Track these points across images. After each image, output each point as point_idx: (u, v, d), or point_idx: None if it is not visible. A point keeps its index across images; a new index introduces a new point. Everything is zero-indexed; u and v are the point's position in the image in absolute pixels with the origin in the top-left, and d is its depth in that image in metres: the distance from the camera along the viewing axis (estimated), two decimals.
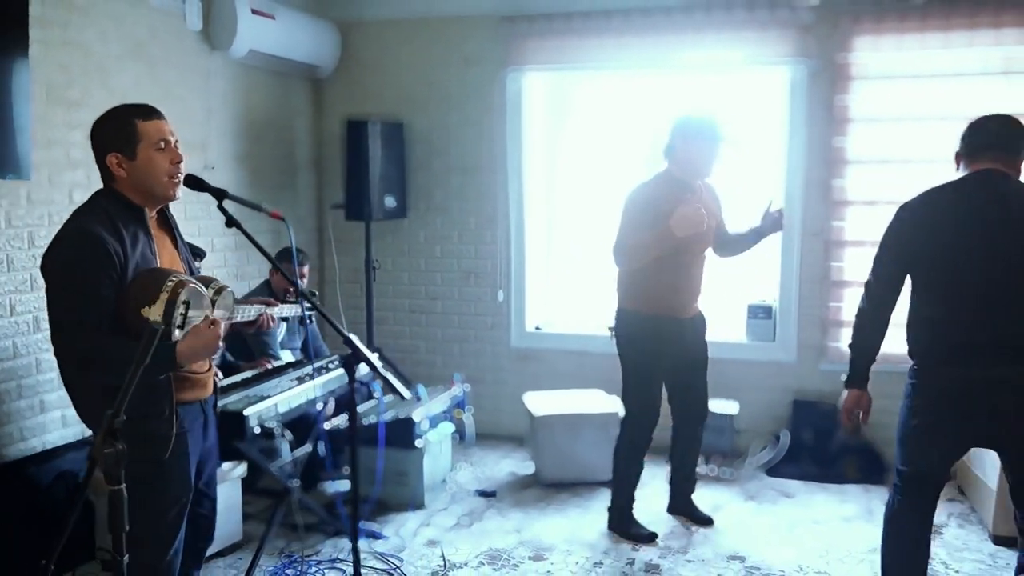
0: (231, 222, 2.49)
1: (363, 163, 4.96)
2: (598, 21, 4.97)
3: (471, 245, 5.48)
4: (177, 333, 2.24)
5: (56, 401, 3.78)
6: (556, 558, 3.72)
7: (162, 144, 2.39)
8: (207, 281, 2.45)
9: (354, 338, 2.47)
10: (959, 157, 2.81)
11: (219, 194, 2.48)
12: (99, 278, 2.23)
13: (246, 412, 3.05)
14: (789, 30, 4.73)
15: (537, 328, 5.48)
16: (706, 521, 4.06)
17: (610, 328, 3.92)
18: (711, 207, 3.79)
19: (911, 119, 4.61)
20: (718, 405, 4.72)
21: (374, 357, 2.50)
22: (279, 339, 4.47)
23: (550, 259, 5.58)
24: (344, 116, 5.21)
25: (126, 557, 1.70)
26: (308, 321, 3.01)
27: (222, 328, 2.34)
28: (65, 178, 3.72)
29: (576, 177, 5.44)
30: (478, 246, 5.46)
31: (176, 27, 4.39)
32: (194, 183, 2.49)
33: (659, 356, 3.80)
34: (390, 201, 5.16)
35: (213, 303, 2.41)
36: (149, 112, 2.40)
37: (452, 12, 5.31)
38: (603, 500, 4.33)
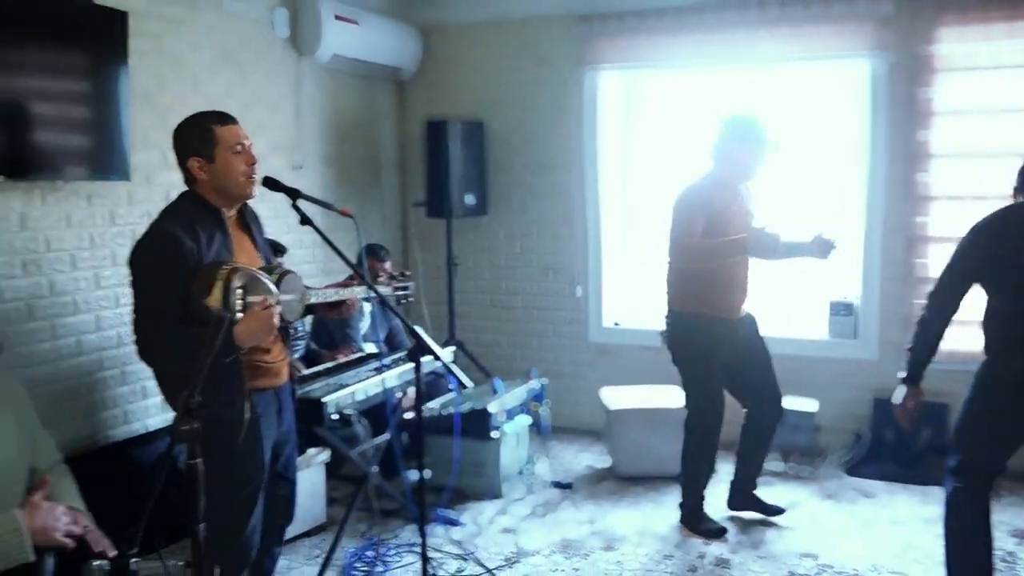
0: (305, 220, 2.65)
1: (443, 162, 5.11)
2: (672, 18, 4.99)
3: (549, 241, 5.56)
4: (238, 317, 2.39)
5: (156, 387, 4.02)
6: (627, 549, 3.77)
7: (238, 148, 2.57)
8: (271, 268, 2.61)
9: (420, 330, 2.59)
10: (1016, 192, 2.94)
11: (293, 194, 2.65)
12: (173, 276, 2.42)
13: (324, 399, 3.21)
14: (867, 23, 4.65)
15: (615, 324, 5.52)
16: (776, 511, 4.03)
17: (662, 332, 3.93)
18: (751, 209, 3.83)
19: (997, 111, 4.47)
20: (797, 403, 4.68)
21: (440, 349, 2.62)
22: (362, 332, 4.64)
23: (627, 255, 5.62)
24: (425, 117, 5.37)
25: (202, 524, 1.85)
26: (404, 300, 3.15)
27: (276, 310, 2.47)
28: (162, 178, 3.97)
29: (651, 174, 5.46)
30: (556, 242, 5.54)
31: (264, 35, 4.61)
32: (271, 184, 2.65)
33: (715, 356, 3.81)
34: (470, 199, 5.29)
35: (278, 286, 2.56)
36: (225, 118, 2.58)
37: (528, 13, 5.40)
38: (677, 495, 4.35)
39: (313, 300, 2.76)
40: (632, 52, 5.14)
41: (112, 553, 2.09)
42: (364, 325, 4.65)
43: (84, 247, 3.67)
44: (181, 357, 2.32)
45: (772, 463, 4.58)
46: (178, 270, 2.44)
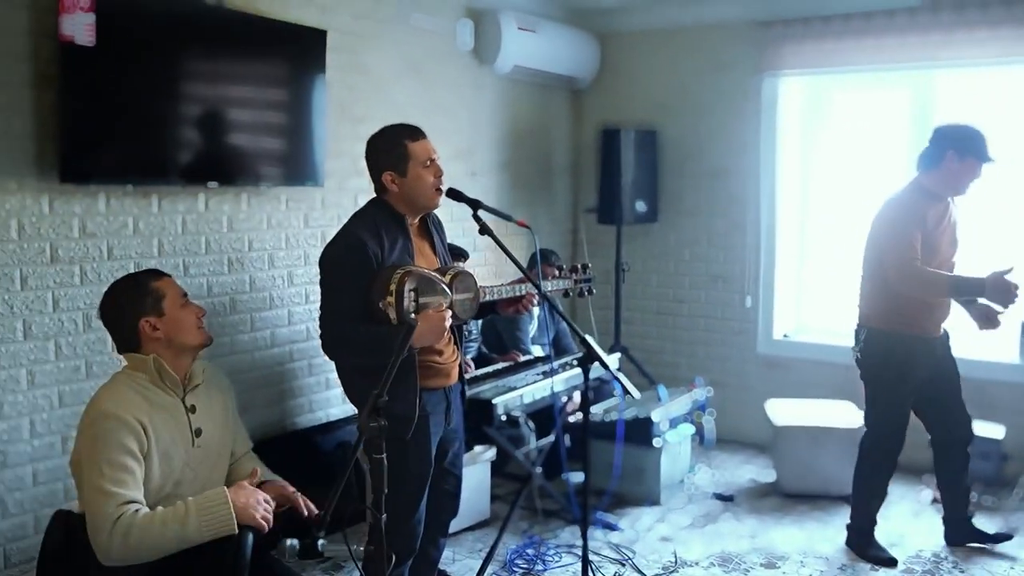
0: (484, 230, 2.78)
1: (616, 169, 5.17)
2: (858, 22, 4.82)
3: (720, 250, 5.51)
4: (412, 318, 2.54)
5: (337, 380, 4.31)
6: (788, 568, 3.71)
7: (428, 162, 2.74)
8: (445, 270, 2.75)
9: (589, 338, 2.67)
10: None
11: (474, 204, 2.79)
12: (357, 276, 2.61)
13: (494, 401, 3.35)
14: None
15: (785, 336, 5.40)
16: (1003, 538, 3.82)
17: (855, 348, 3.79)
18: (957, 228, 3.66)
19: None
20: (983, 428, 4.42)
21: (609, 358, 2.69)
22: (531, 335, 4.77)
23: (801, 267, 5.47)
24: (600, 124, 5.44)
25: (384, 515, 2.00)
26: (588, 293, 3.25)
27: (448, 313, 2.62)
28: (351, 184, 4.24)
29: (832, 183, 5.29)
30: (727, 251, 5.48)
31: (447, 47, 4.82)
32: (454, 194, 2.80)
33: (910, 378, 3.65)
34: (641, 206, 5.32)
35: (451, 287, 2.70)
36: (416, 133, 2.76)
37: (707, 20, 5.36)
38: (844, 515, 4.23)
39: (487, 298, 2.89)
40: (816, 57, 5.01)
41: (313, 513, 2.29)
42: (532, 328, 4.78)
43: (281, 247, 3.99)
44: (361, 353, 2.53)
45: None
46: (363, 271, 2.63)
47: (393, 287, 2.56)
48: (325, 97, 3.93)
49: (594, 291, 3.35)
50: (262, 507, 2.22)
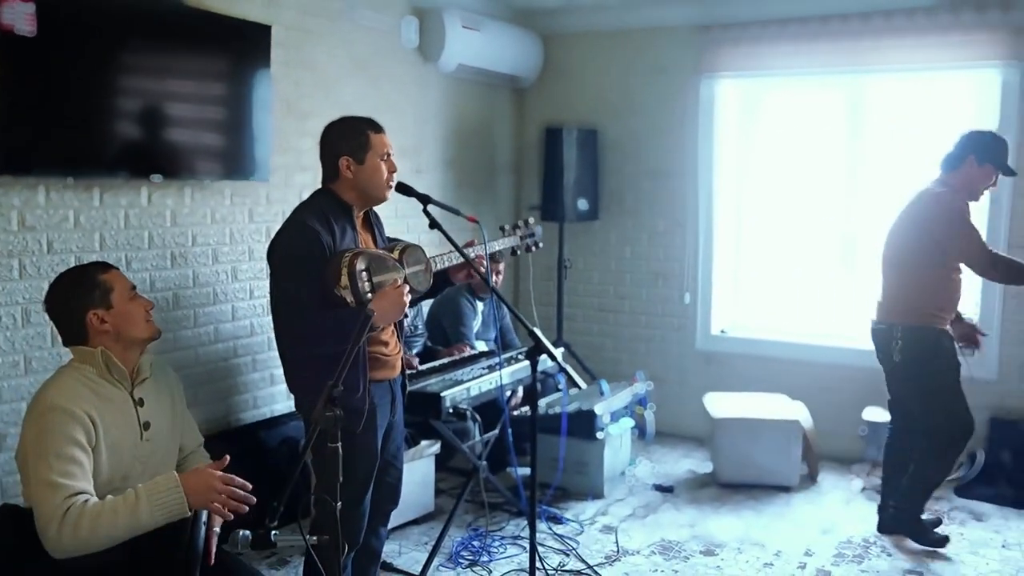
0: (433, 224, 2.82)
1: (558, 168, 5.26)
2: (794, 27, 4.99)
3: (660, 248, 5.63)
4: (369, 298, 2.57)
5: (282, 375, 4.29)
6: (727, 555, 3.83)
7: (385, 155, 2.77)
8: (391, 248, 2.78)
9: (537, 331, 2.72)
10: None
11: (424, 199, 2.83)
12: (312, 264, 2.61)
13: (442, 394, 3.39)
14: (1000, 31, 4.54)
15: (722, 331, 5.55)
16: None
17: (894, 348, 3.80)
18: None
19: None
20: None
21: (556, 351, 2.75)
22: (475, 330, 4.82)
23: (738, 264, 5.63)
24: (543, 123, 5.52)
25: (339, 504, 2.03)
26: (536, 247, 3.34)
27: (405, 288, 2.65)
28: (296, 180, 4.23)
29: (766, 183, 5.46)
30: (667, 249, 5.60)
31: (392, 44, 4.84)
32: (403, 189, 2.83)
33: (957, 366, 3.77)
34: (583, 204, 5.41)
35: (401, 262, 2.73)
36: (378, 127, 2.78)
37: (649, 23, 5.47)
38: (780, 504, 4.40)
39: (439, 267, 2.92)
40: (753, 60, 5.16)
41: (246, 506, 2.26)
42: (476, 324, 4.82)
43: (225, 242, 3.96)
44: (325, 341, 2.52)
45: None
46: (316, 258, 2.63)
47: (344, 270, 2.57)
48: (270, 92, 3.92)
49: (541, 245, 3.42)
50: (217, 491, 2.17)
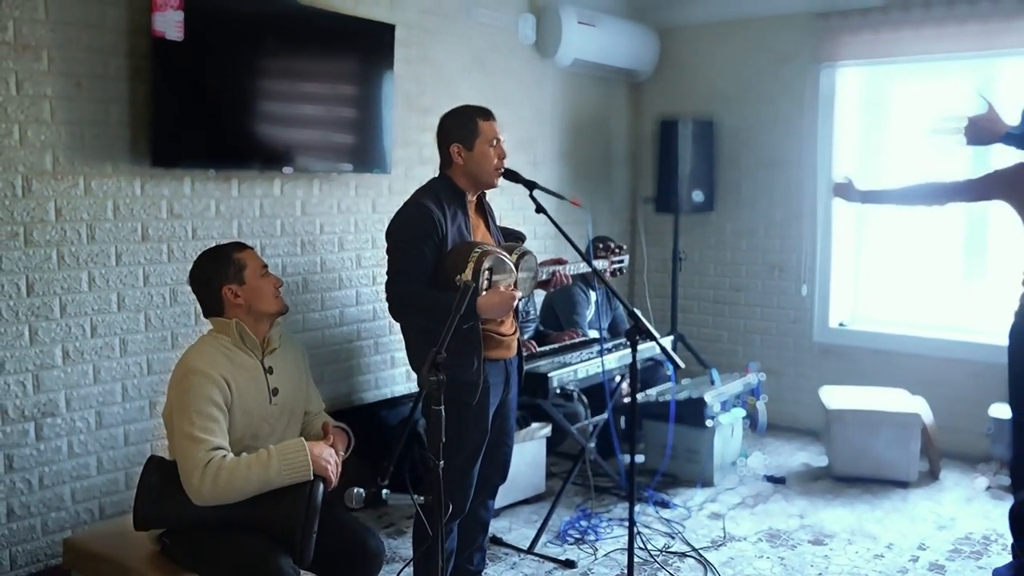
0: (540, 209, 2.96)
1: (673, 160, 5.30)
2: (918, 12, 4.86)
3: (776, 239, 5.58)
4: (483, 290, 2.74)
5: (402, 358, 4.53)
6: (836, 545, 3.80)
7: (494, 141, 2.93)
8: (511, 248, 2.94)
9: (637, 312, 2.82)
10: None
11: (530, 185, 2.97)
12: (424, 241, 2.81)
13: (550, 375, 3.52)
14: None
15: (841, 324, 5.45)
16: None
17: None
18: None
19: None
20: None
21: (656, 332, 2.83)
22: (588, 319, 4.92)
23: (858, 256, 5.51)
24: (658, 115, 5.57)
25: (441, 462, 2.19)
26: (620, 272, 3.51)
27: (519, 293, 2.81)
28: (417, 172, 4.45)
29: (892, 172, 5.32)
30: (783, 240, 5.55)
31: (510, 40, 5.00)
32: (511, 176, 2.99)
33: None
34: (698, 196, 5.43)
35: (517, 266, 2.90)
36: (487, 114, 2.95)
37: (765, 12, 5.44)
38: (897, 499, 4.32)
39: (543, 277, 3.08)
40: (874, 48, 5.05)
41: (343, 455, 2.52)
42: (590, 313, 4.93)
43: (350, 231, 4.22)
44: (427, 313, 2.73)
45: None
46: (429, 236, 2.83)
47: (472, 264, 2.75)
48: (393, 89, 4.14)
49: (624, 271, 3.58)
50: (332, 463, 2.44)
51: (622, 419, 4.59)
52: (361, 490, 2.28)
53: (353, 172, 4.13)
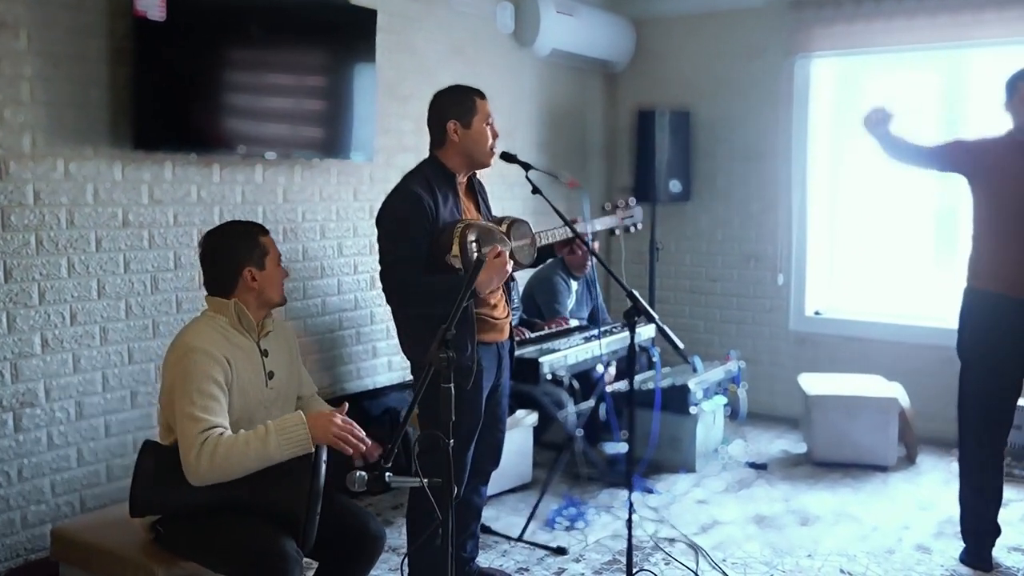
0: (535, 190, 2.94)
1: (650, 150, 5.31)
2: (889, 4, 4.94)
3: (752, 230, 5.63)
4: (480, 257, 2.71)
5: (384, 348, 4.49)
6: (822, 527, 3.83)
7: (489, 120, 2.90)
8: (500, 220, 2.92)
9: (635, 293, 2.81)
10: None
11: (526, 166, 2.96)
12: (416, 226, 2.78)
13: (540, 360, 3.50)
14: None
15: (816, 313, 5.51)
16: None
17: None
18: None
19: None
20: None
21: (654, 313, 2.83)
22: (568, 308, 4.91)
23: (832, 245, 5.58)
24: (634, 106, 5.58)
25: (451, 441, 2.16)
26: (635, 228, 3.51)
27: (507, 255, 2.78)
28: (398, 160, 4.40)
29: (862, 163, 5.39)
30: (759, 230, 5.60)
31: (489, 30, 4.98)
32: (507, 158, 2.97)
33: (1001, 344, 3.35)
34: (675, 186, 5.45)
35: (508, 235, 2.87)
36: (482, 94, 2.95)
37: (740, 4, 5.49)
38: (877, 482, 4.37)
39: (543, 242, 3.06)
40: (847, 39, 5.12)
41: (376, 455, 2.45)
42: (571, 302, 4.92)
43: (331, 219, 4.16)
44: (429, 299, 2.70)
45: None
46: (421, 222, 2.79)
47: (456, 239, 2.72)
48: (375, 75, 4.09)
49: (639, 227, 3.55)
50: (336, 427, 2.36)
51: (601, 408, 4.58)
52: (363, 473, 2.23)
53: (335, 159, 4.07)
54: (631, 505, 2.97)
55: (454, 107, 2.92)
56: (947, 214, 5.16)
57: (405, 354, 3.08)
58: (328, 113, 3.95)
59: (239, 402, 2.41)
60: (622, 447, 4.75)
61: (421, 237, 2.78)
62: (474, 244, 2.75)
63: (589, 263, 4.74)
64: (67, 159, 3.14)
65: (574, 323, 4.80)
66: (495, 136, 2.94)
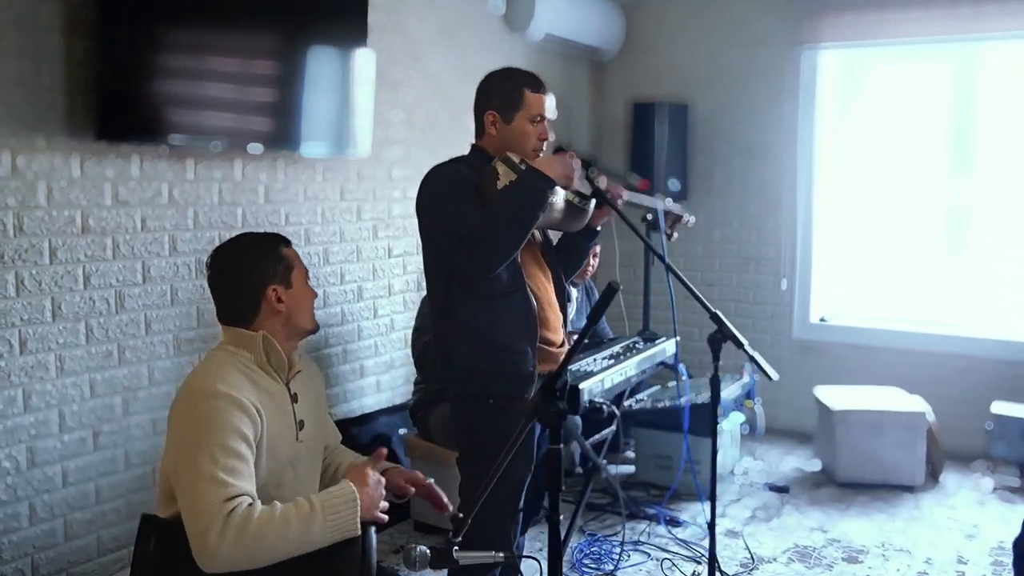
0: (596, 192, 2.52)
1: (649, 145, 4.92)
2: None
3: (752, 231, 5.29)
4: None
5: (372, 367, 3.98)
6: (872, 562, 3.49)
7: (538, 118, 2.45)
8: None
9: (720, 314, 2.41)
10: None
11: (586, 162, 2.51)
12: (464, 188, 2.35)
13: (580, 386, 3.05)
14: None
15: (822, 319, 5.20)
16: None
17: None
18: None
19: None
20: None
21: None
22: (569, 317, 4.48)
23: (839, 248, 5.27)
24: (625, 98, 5.18)
25: (561, 516, 1.71)
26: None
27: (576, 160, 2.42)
28: (387, 154, 3.91)
29: (872, 161, 5.10)
30: (760, 232, 5.26)
31: (480, 11, 4.50)
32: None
33: None
34: (674, 184, 5.07)
35: None
36: (537, 84, 2.46)
37: None
38: (909, 505, 4.08)
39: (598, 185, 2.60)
40: (858, 30, 4.81)
41: (449, 511, 1.98)
42: (571, 311, 4.49)
43: (317, 222, 3.63)
44: (510, 223, 2.29)
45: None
46: (465, 185, 2.37)
47: (500, 167, 2.33)
48: (368, 63, 3.58)
49: (676, 235, 3.26)
50: (379, 498, 1.90)
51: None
52: (425, 548, 1.78)
53: (323, 153, 3.54)
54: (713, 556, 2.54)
55: (497, 96, 2.45)
56: (959, 213, 4.90)
57: (421, 374, 2.60)
58: (318, 99, 3.41)
59: (268, 464, 1.89)
60: (629, 468, 4.37)
61: (471, 193, 2.35)
62: (516, 158, 2.36)
63: (590, 270, 4.33)
64: (14, 151, 2.57)
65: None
66: (542, 138, 2.48)
